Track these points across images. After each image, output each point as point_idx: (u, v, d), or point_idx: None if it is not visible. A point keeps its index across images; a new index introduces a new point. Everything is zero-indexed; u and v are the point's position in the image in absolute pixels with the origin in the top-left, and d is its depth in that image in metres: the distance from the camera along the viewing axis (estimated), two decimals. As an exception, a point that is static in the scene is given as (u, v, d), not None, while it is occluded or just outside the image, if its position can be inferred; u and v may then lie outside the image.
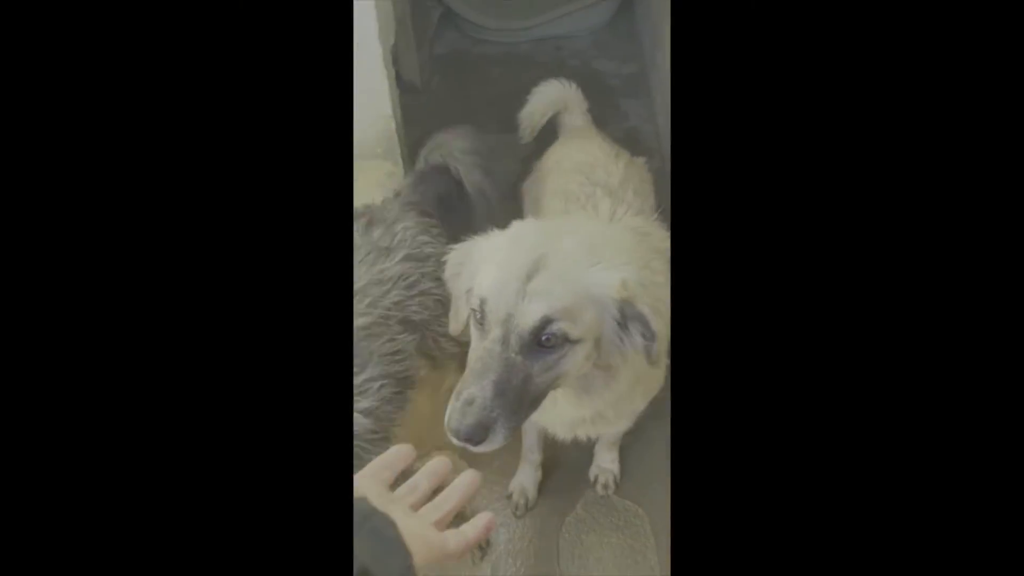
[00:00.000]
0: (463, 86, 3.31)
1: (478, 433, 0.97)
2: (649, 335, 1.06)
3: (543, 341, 1.02)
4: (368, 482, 0.78)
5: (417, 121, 3.02)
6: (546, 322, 1.01)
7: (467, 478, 0.83)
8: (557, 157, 1.90)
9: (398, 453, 0.84)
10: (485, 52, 3.51)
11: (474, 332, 1.10)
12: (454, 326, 1.27)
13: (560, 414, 1.23)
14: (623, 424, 1.65)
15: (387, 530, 0.68)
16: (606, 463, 1.91)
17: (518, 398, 1.01)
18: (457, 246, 1.26)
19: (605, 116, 2.07)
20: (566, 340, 1.03)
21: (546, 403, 1.12)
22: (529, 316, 1.01)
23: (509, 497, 1.87)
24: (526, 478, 1.87)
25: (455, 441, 0.99)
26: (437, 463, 0.85)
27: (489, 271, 1.08)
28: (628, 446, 1.97)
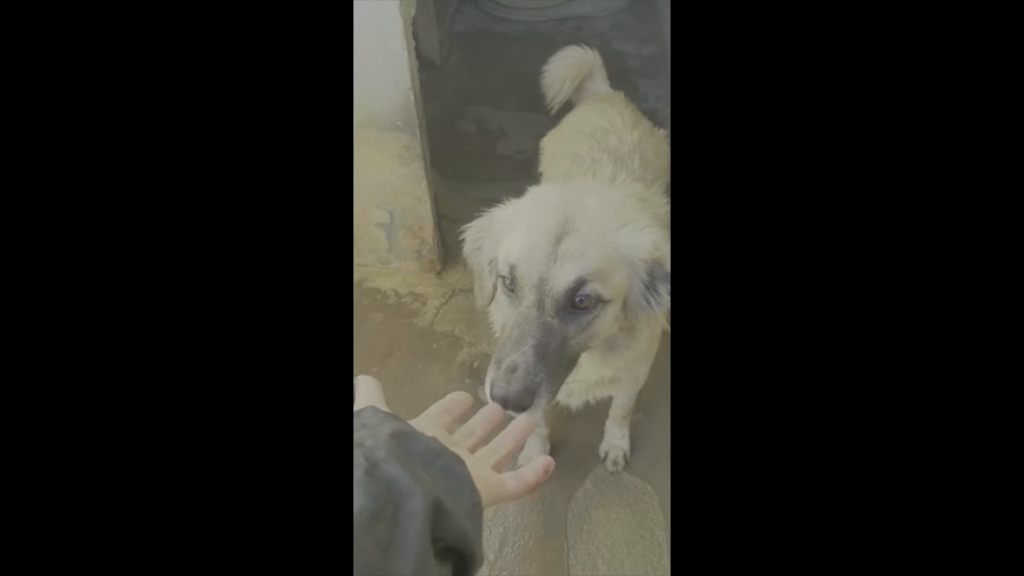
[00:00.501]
0: (482, 63, 3.31)
1: (525, 399, 0.98)
2: None
3: (577, 303, 1.03)
4: (428, 423, 0.79)
5: (436, 97, 3.03)
6: (580, 283, 1.02)
7: (521, 423, 0.85)
8: (576, 118, 1.91)
9: (455, 399, 0.85)
10: (505, 31, 3.49)
11: (504, 300, 1.11)
12: (481, 301, 1.27)
13: (583, 377, 1.24)
14: (630, 388, 1.67)
15: (457, 467, 0.68)
16: (616, 439, 1.92)
17: (558, 360, 1.02)
18: (473, 222, 1.26)
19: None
20: (599, 301, 1.04)
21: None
22: (563, 278, 1.01)
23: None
24: (534, 451, 1.88)
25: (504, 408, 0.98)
26: (491, 409, 0.87)
27: (515, 237, 1.08)
28: (638, 423, 1.98)
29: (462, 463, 0.69)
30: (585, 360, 1.20)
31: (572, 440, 1.98)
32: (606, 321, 1.07)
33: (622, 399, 1.79)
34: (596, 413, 1.95)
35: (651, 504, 1.84)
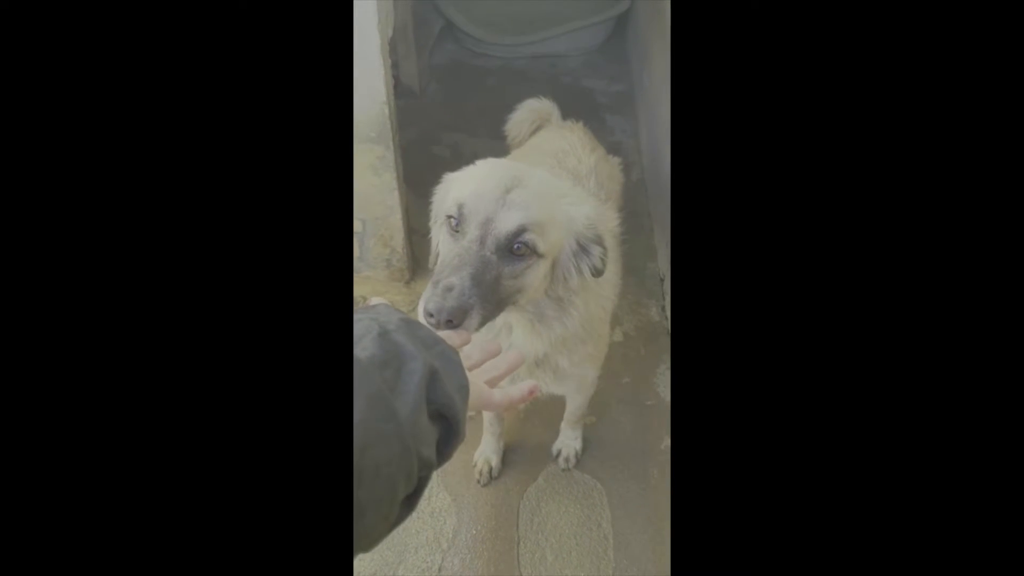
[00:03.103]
0: (459, 94, 3.47)
1: (457, 315, 1.04)
2: (604, 253, 1.21)
3: (515, 249, 1.12)
4: None
5: (414, 123, 3.18)
6: (521, 230, 1.11)
7: (514, 354, 0.97)
8: (539, 140, 2.07)
9: (456, 332, 1.00)
10: (482, 65, 3.68)
11: (448, 239, 1.19)
12: (432, 259, 1.35)
13: (516, 342, 1.33)
14: (580, 392, 1.76)
15: (453, 355, 0.78)
16: (569, 440, 2.01)
17: (491, 291, 1.10)
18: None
19: (592, 130, 2.24)
20: (534, 252, 1.13)
21: (503, 333, 1.23)
22: (508, 222, 1.11)
23: (474, 466, 1.97)
24: (489, 448, 1.96)
25: (428, 323, 1.04)
26: (490, 343, 0.99)
27: (466, 182, 1.19)
28: (590, 425, 2.07)
29: (456, 353, 0.80)
30: (516, 324, 1.30)
31: (527, 440, 2.07)
32: (536, 276, 1.17)
33: (573, 405, 1.89)
34: (551, 415, 2.05)
35: (599, 500, 1.92)
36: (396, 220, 2.33)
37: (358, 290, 2.48)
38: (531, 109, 2.31)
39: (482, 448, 1.98)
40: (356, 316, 0.77)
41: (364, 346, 0.70)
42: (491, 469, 1.95)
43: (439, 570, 1.77)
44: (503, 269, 1.12)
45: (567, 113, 2.32)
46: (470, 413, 0.83)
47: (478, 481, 1.95)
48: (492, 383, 0.92)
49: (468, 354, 0.94)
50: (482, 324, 1.09)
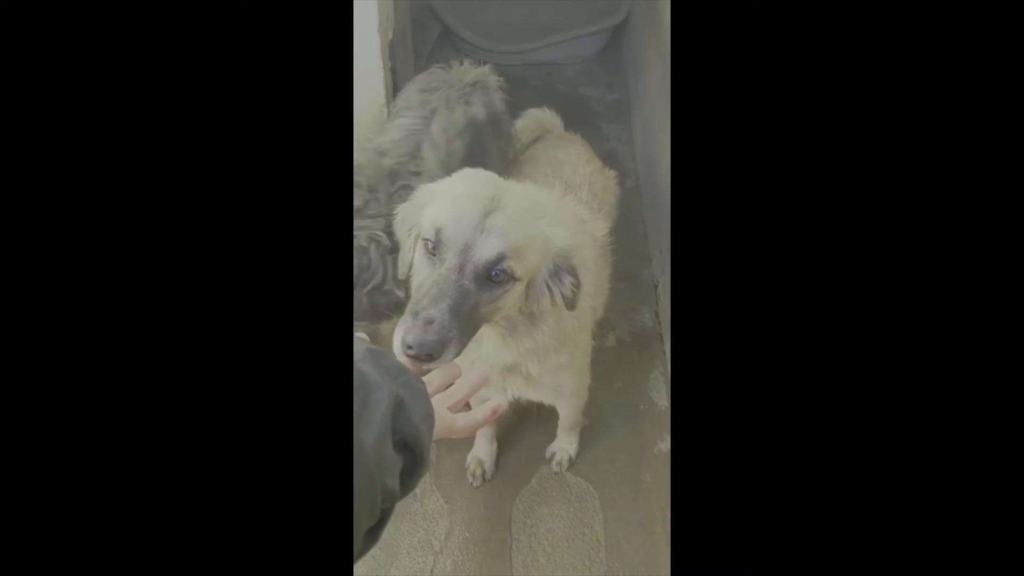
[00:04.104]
0: (455, 100, 3.48)
1: (437, 348, 1.04)
2: (576, 285, 1.21)
3: (493, 276, 1.11)
4: None
5: (409, 126, 3.19)
6: (501, 258, 1.10)
7: (476, 374, 0.97)
8: (537, 151, 2.07)
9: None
10: (479, 72, 3.69)
11: (424, 262, 1.18)
12: (402, 269, 1.35)
13: (485, 353, 1.32)
14: (568, 402, 1.76)
15: (417, 384, 0.79)
16: (564, 443, 2.01)
17: (467, 321, 1.09)
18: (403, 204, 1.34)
19: (588, 138, 2.25)
20: (511, 278, 1.13)
21: (472, 345, 1.20)
22: (487, 249, 1.10)
23: (467, 468, 1.96)
24: (481, 450, 1.96)
25: (407, 355, 1.04)
26: (451, 367, 0.98)
27: (443, 204, 1.16)
28: (584, 429, 2.07)
29: (421, 383, 0.81)
30: (487, 336, 1.30)
31: (521, 441, 2.07)
32: (512, 298, 1.17)
33: (563, 413, 1.90)
34: (545, 418, 2.05)
35: (592, 503, 1.92)
36: (392, 221, 2.33)
37: (353, 292, 2.48)
38: (534, 118, 2.32)
39: (475, 450, 1.97)
40: None
41: None
42: (484, 471, 1.95)
43: (431, 572, 1.76)
44: (481, 296, 1.12)
45: (564, 121, 2.34)
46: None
47: (471, 483, 1.94)
48: (455, 407, 0.92)
49: (430, 380, 0.94)
50: (458, 354, 1.09)
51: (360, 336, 0.90)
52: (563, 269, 1.20)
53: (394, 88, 2.25)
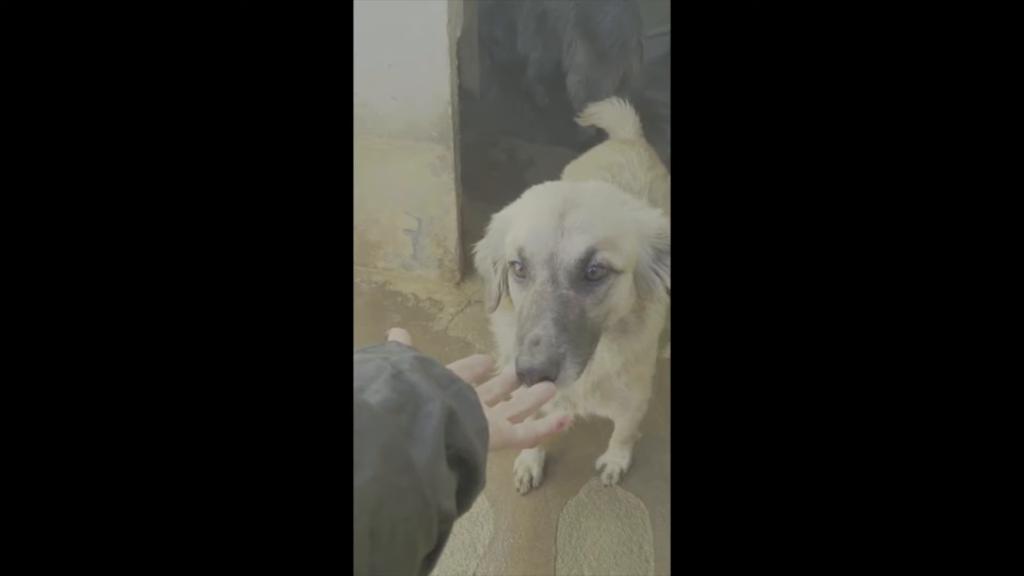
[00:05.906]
0: (518, 99, 3.47)
1: (551, 370, 0.96)
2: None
3: (590, 274, 1.05)
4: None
5: (472, 125, 3.18)
6: (591, 252, 1.04)
7: (543, 387, 0.90)
8: (596, 153, 2.02)
9: (476, 359, 0.90)
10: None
11: (516, 288, 1.12)
12: (489, 304, 1.29)
13: (596, 367, 1.24)
14: (626, 415, 1.70)
15: (470, 394, 0.73)
16: (616, 456, 1.96)
17: (579, 332, 1.02)
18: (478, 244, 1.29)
19: (651, 140, 2.20)
20: (611, 270, 1.06)
21: None
22: (573, 249, 1.04)
23: (514, 474, 1.94)
24: (530, 456, 1.93)
25: (523, 380, 0.96)
26: (510, 373, 0.91)
27: (520, 224, 1.11)
28: (637, 442, 2.02)
29: (474, 392, 0.74)
30: (601, 347, 1.19)
31: (571, 451, 2.03)
32: (620, 294, 1.09)
33: (620, 425, 1.83)
34: (596, 427, 2.00)
35: (642, 519, 1.87)
36: (451, 220, 2.32)
37: (409, 288, 2.48)
38: (611, 105, 2.28)
39: (523, 456, 1.94)
40: (365, 356, 0.71)
41: (376, 389, 0.64)
42: (532, 478, 1.92)
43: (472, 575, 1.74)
44: (584, 301, 1.05)
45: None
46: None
47: (518, 489, 1.92)
48: (517, 419, 0.84)
49: (489, 387, 0.87)
50: (581, 371, 1.01)
51: (400, 331, 0.85)
52: (665, 252, 1.12)
53: (459, 87, 2.25)
